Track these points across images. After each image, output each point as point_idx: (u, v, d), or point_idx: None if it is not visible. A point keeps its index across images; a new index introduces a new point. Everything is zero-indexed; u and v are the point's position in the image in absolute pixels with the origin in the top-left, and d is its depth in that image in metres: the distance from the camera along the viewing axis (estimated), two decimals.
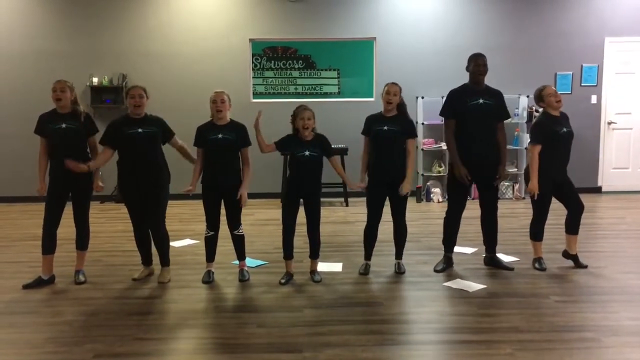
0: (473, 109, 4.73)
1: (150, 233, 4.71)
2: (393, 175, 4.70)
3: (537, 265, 4.96)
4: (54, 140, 4.54)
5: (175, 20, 8.59)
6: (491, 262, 5.04)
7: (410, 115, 4.89)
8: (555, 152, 4.78)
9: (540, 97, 4.86)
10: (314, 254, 4.75)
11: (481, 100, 4.74)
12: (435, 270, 4.92)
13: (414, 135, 4.83)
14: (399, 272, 4.87)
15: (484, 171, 4.82)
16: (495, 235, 5.03)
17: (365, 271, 4.89)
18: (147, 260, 4.82)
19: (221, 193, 4.62)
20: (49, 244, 4.63)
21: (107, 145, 4.59)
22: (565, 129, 4.77)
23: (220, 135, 4.54)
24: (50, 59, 8.41)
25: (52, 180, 4.59)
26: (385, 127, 4.67)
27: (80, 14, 8.53)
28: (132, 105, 4.53)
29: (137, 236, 4.73)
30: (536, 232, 4.98)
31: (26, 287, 4.57)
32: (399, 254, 4.96)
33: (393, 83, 4.75)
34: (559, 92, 4.91)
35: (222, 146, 4.54)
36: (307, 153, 4.53)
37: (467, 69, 4.86)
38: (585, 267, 4.93)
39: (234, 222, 4.70)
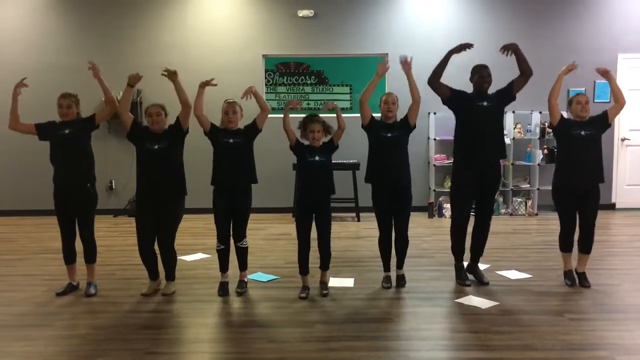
0: (478, 109, 4.80)
1: (159, 248, 4.73)
2: (396, 180, 4.74)
3: (566, 281, 4.93)
4: (58, 145, 4.66)
5: (189, 37, 8.68)
6: (471, 271, 5.04)
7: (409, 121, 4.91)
8: (569, 154, 4.77)
9: (570, 102, 4.89)
10: (325, 265, 4.76)
11: (485, 103, 4.82)
12: (459, 284, 4.94)
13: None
14: (400, 285, 4.86)
15: (486, 178, 4.88)
16: (482, 246, 5.07)
17: (387, 284, 4.88)
18: (154, 275, 4.84)
19: (230, 196, 4.64)
20: (67, 256, 4.81)
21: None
22: (583, 132, 4.72)
23: (231, 140, 4.63)
24: (66, 74, 8.50)
25: (56, 193, 4.71)
26: (389, 134, 4.74)
27: (97, 30, 8.65)
28: (150, 123, 4.63)
29: (142, 252, 4.71)
30: (561, 242, 4.96)
31: (60, 294, 4.72)
32: (400, 264, 4.93)
33: (388, 93, 4.93)
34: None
35: (234, 149, 4.62)
36: (317, 158, 4.61)
37: (471, 79, 4.94)
38: (588, 286, 4.85)
39: (239, 234, 4.74)
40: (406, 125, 4.79)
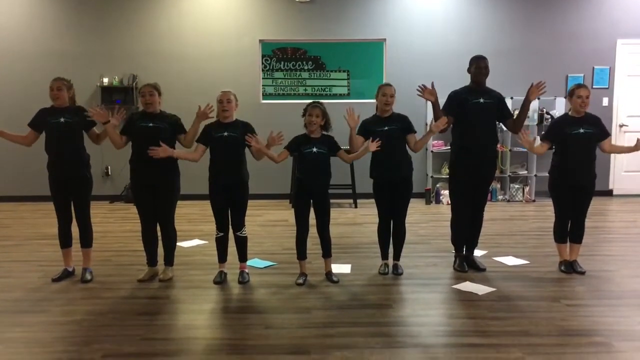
0: (474, 106, 4.79)
1: (160, 230, 4.74)
2: (395, 174, 4.73)
3: (562, 268, 4.93)
4: (52, 134, 4.63)
5: (185, 22, 8.61)
6: (467, 261, 5.04)
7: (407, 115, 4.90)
8: (567, 153, 4.75)
9: (571, 92, 4.84)
10: (327, 253, 4.74)
11: (482, 100, 4.80)
12: (455, 269, 4.97)
13: (414, 131, 4.84)
14: (396, 273, 4.86)
15: (481, 170, 4.90)
16: (477, 236, 5.10)
17: (385, 271, 4.89)
18: (152, 261, 4.84)
19: (226, 191, 4.61)
20: (63, 239, 4.81)
21: (124, 136, 4.66)
22: (582, 130, 4.70)
23: (225, 133, 4.54)
24: (61, 60, 8.45)
25: (51, 178, 4.69)
26: (386, 127, 4.70)
27: (92, 15, 8.57)
28: (144, 103, 4.60)
29: (145, 235, 4.76)
30: (555, 233, 4.98)
31: (55, 280, 4.71)
32: (396, 256, 4.95)
33: (388, 84, 4.82)
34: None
35: (228, 143, 4.55)
36: (314, 149, 4.55)
37: (469, 70, 4.92)
38: (583, 272, 4.86)
39: (238, 223, 4.70)
40: (404, 126, 4.74)
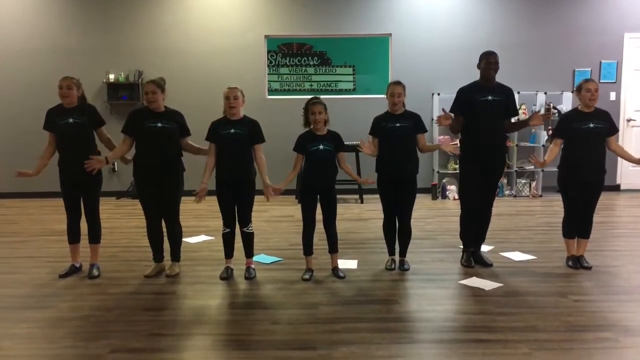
0: (482, 105, 4.76)
1: (165, 226, 4.75)
2: (400, 172, 4.73)
3: (570, 263, 4.91)
4: (62, 135, 4.62)
5: (191, 17, 8.61)
6: (474, 256, 5.03)
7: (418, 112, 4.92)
8: (577, 148, 4.72)
9: (579, 87, 4.81)
10: (333, 248, 4.74)
11: (490, 97, 4.77)
12: (462, 264, 4.96)
13: (425, 130, 4.85)
14: (403, 269, 4.85)
15: (489, 168, 4.88)
16: (484, 232, 5.09)
17: (391, 267, 4.88)
18: (158, 257, 4.85)
19: (233, 188, 4.61)
20: (71, 235, 4.81)
21: (127, 135, 4.65)
22: (592, 125, 4.67)
23: (232, 130, 4.53)
24: (66, 56, 8.47)
25: (62, 175, 4.69)
26: (398, 124, 4.68)
27: (97, 10, 8.58)
28: (147, 101, 4.59)
29: (150, 231, 4.77)
30: (564, 228, 4.96)
31: (63, 276, 4.72)
32: (402, 253, 4.95)
33: (396, 83, 4.76)
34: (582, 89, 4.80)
35: (235, 140, 4.54)
36: (321, 147, 4.54)
37: (478, 66, 4.89)
38: (589, 268, 4.84)
39: (244, 219, 4.70)
40: (416, 124, 4.74)
